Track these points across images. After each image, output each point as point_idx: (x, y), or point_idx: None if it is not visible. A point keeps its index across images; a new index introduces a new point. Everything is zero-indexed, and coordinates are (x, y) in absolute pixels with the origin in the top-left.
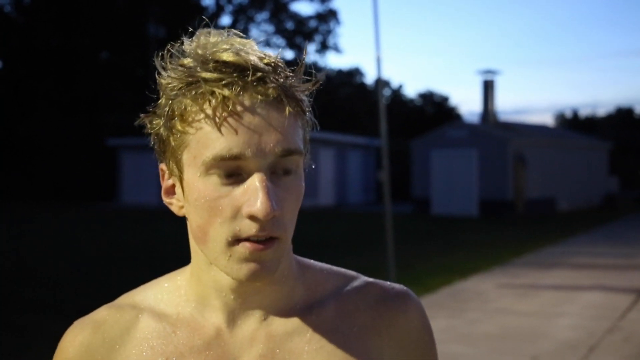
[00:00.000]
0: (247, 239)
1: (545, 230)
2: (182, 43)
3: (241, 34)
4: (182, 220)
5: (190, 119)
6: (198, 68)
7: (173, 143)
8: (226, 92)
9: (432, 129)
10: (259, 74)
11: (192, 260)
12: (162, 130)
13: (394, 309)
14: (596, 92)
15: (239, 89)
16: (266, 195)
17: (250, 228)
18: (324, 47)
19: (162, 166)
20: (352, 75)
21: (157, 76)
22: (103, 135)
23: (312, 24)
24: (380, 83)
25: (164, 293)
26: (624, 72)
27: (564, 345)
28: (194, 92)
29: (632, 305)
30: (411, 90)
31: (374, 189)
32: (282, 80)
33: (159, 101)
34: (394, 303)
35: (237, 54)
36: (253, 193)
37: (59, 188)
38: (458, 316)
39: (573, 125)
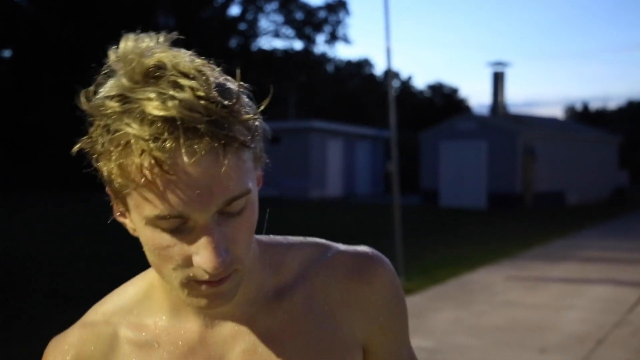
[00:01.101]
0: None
1: (554, 224)
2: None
3: (170, 36)
4: None
5: (127, 174)
6: (124, 118)
7: (116, 185)
8: (157, 153)
9: (441, 120)
10: (191, 124)
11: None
12: (104, 166)
13: (360, 281)
14: (607, 85)
15: (170, 145)
16: (213, 251)
17: (203, 274)
18: (333, 38)
19: (108, 190)
20: (361, 67)
21: (83, 100)
22: None
23: (322, 14)
24: (390, 74)
25: (133, 303)
26: (635, 66)
27: (571, 338)
28: (123, 144)
29: None
30: (420, 82)
31: (382, 180)
32: (217, 123)
33: (93, 130)
34: (359, 275)
35: (164, 103)
36: (202, 249)
37: (67, 178)
38: (465, 308)
39: (583, 118)
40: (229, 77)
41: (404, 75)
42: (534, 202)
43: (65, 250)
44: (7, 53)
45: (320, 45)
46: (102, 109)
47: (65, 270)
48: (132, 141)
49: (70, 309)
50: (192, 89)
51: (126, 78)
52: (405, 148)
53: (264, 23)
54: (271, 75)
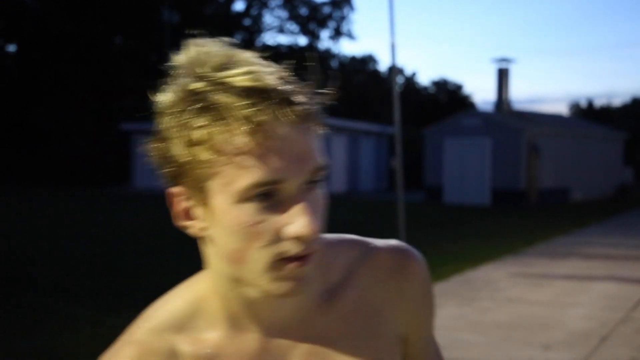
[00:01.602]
0: (289, 258)
1: (558, 220)
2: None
3: (231, 40)
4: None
5: (217, 147)
6: (213, 94)
7: (196, 171)
8: (256, 118)
9: (446, 117)
10: (284, 95)
11: (214, 278)
12: (178, 157)
13: (399, 278)
14: (612, 82)
15: (267, 112)
16: (310, 216)
17: (294, 248)
18: (337, 34)
19: (174, 190)
20: (366, 62)
21: (153, 97)
22: (116, 120)
23: (326, 10)
24: (394, 70)
25: (184, 317)
26: None
27: (575, 335)
28: (217, 119)
29: None
30: (425, 78)
31: (386, 176)
32: (301, 95)
33: (163, 124)
34: (399, 273)
35: (254, 78)
36: (297, 215)
37: (72, 172)
38: (469, 304)
39: (588, 115)
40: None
41: (408, 71)
42: (538, 199)
43: (69, 243)
44: (11, 48)
45: (325, 41)
46: (183, 94)
47: (70, 264)
48: (227, 111)
49: (72, 303)
50: (272, 68)
51: (206, 67)
52: (409, 144)
53: (268, 19)
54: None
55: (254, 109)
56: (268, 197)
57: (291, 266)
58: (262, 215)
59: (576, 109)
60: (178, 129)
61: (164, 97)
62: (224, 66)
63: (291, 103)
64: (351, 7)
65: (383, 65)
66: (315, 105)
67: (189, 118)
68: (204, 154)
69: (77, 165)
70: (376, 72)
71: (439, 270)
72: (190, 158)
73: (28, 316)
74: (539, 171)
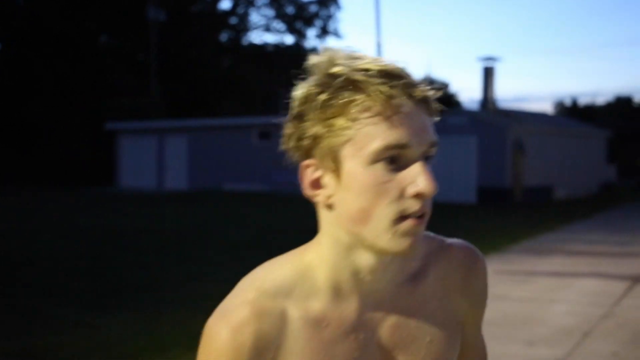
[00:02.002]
0: (408, 216)
1: (543, 218)
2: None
3: (357, 50)
4: (181, 203)
5: (354, 116)
6: (353, 74)
7: (331, 140)
8: (393, 91)
9: None
10: (408, 79)
11: (329, 246)
12: (316, 130)
13: (468, 271)
14: (596, 81)
15: (400, 91)
16: (430, 176)
17: (414, 205)
18: (324, 33)
19: (307, 162)
20: None
21: (294, 89)
22: (103, 119)
23: (313, 8)
24: None
25: (293, 283)
26: (623, 62)
27: (559, 331)
28: (357, 92)
29: (627, 292)
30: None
31: None
32: (426, 86)
33: (299, 107)
34: (469, 267)
35: (386, 64)
36: (419, 175)
37: (59, 171)
38: None
39: (572, 113)
40: None
41: None
42: (523, 197)
43: (56, 243)
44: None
45: (311, 39)
46: (328, 77)
47: (57, 264)
48: (370, 86)
49: (61, 305)
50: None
51: (341, 60)
52: None
53: (254, 17)
54: (262, 69)
55: (388, 85)
56: (394, 161)
57: (411, 222)
58: (389, 175)
59: (561, 107)
60: (317, 108)
61: (300, 89)
62: (354, 58)
63: (415, 85)
64: (338, 6)
65: None
66: (431, 92)
67: (330, 96)
68: (340, 122)
69: (62, 165)
70: None
71: None
72: (327, 129)
73: (11, 318)
74: (524, 169)
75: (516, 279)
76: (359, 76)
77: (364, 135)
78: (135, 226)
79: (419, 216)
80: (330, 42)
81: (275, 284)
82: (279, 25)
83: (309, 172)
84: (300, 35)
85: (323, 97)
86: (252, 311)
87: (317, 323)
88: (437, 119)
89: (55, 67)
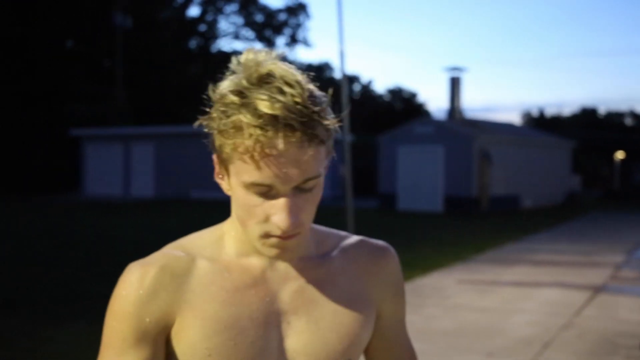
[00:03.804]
0: (274, 235)
1: (509, 227)
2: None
3: (281, 53)
4: (145, 211)
5: (235, 145)
6: (241, 109)
7: (225, 155)
8: (262, 138)
9: (401, 124)
10: (288, 122)
11: (234, 221)
12: (218, 139)
13: (380, 258)
14: (562, 92)
15: (272, 134)
16: (288, 214)
17: (276, 230)
18: (293, 41)
19: (214, 157)
20: (322, 70)
21: (210, 89)
22: (67, 125)
23: (282, 17)
24: (344, 76)
25: (207, 243)
26: (589, 73)
27: (519, 341)
28: (237, 127)
29: (588, 302)
30: (381, 86)
31: (341, 183)
32: (306, 123)
33: (213, 112)
34: (381, 254)
35: (272, 104)
36: (279, 210)
37: (21, 179)
38: (416, 312)
39: (539, 124)
40: (317, 89)
41: (364, 79)
42: (490, 206)
43: (15, 253)
44: None
45: (281, 47)
46: (224, 98)
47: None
48: (245, 127)
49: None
50: (292, 95)
51: (245, 79)
52: (365, 151)
53: (223, 25)
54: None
55: (263, 129)
56: (264, 192)
57: (275, 240)
58: (259, 200)
59: (528, 117)
60: (216, 117)
61: (219, 89)
62: (263, 80)
63: (294, 129)
64: (307, 15)
65: (339, 73)
66: (323, 128)
67: (219, 116)
68: (226, 146)
69: (25, 172)
70: (332, 80)
71: None
72: (219, 143)
73: None
74: (491, 178)
75: (479, 289)
76: (242, 115)
77: (238, 165)
78: (96, 235)
79: (285, 236)
80: (299, 50)
81: (191, 244)
82: (248, 33)
83: (216, 165)
84: (269, 43)
85: (219, 114)
86: (163, 254)
87: (221, 272)
88: (329, 144)
89: (17, 72)
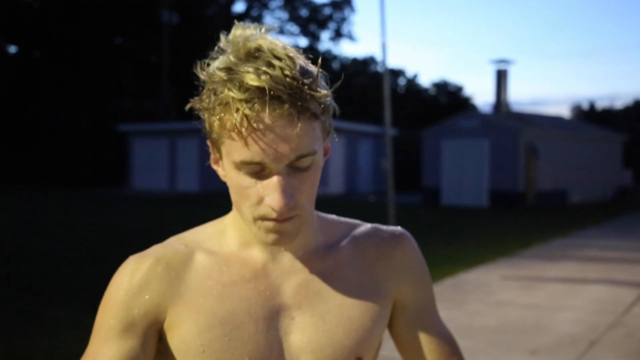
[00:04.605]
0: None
1: (555, 223)
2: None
3: (270, 27)
4: (191, 204)
5: (224, 124)
6: (228, 84)
7: (215, 135)
8: (247, 111)
9: (446, 118)
10: (276, 94)
11: (235, 212)
12: (208, 119)
13: (392, 246)
14: (614, 84)
15: (259, 107)
16: (281, 193)
17: (271, 213)
18: (338, 35)
19: (209, 142)
20: (367, 64)
21: (199, 70)
22: (115, 121)
23: (327, 11)
24: (386, 70)
25: (208, 237)
26: None
27: (564, 339)
28: (224, 103)
29: (638, 300)
30: (426, 80)
31: (383, 178)
32: (296, 95)
33: (204, 93)
34: (394, 240)
35: (258, 76)
36: (272, 190)
37: (70, 173)
38: (458, 308)
39: (590, 117)
40: (310, 63)
41: (409, 73)
42: (536, 201)
43: (64, 245)
44: (12, 48)
45: (325, 42)
46: (212, 77)
47: (63, 267)
48: (231, 102)
49: (57, 306)
50: (281, 68)
51: (233, 56)
52: (409, 146)
53: (268, 20)
54: None
55: (249, 103)
56: (256, 171)
57: (270, 223)
58: (252, 181)
59: (578, 111)
60: (205, 97)
61: (209, 69)
62: (251, 55)
63: (282, 101)
64: (352, 9)
65: (383, 67)
66: (315, 101)
67: (208, 95)
68: (214, 125)
69: (74, 166)
70: (377, 74)
71: (431, 273)
72: (209, 123)
73: (6, 319)
74: (537, 173)
75: (524, 285)
76: (230, 90)
77: (228, 145)
78: (143, 229)
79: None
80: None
81: (193, 237)
82: (292, 27)
83: (211, 150)
84: (314, 37)
85: (208, 93)
86: (162, 247)
87: (219, 265)
88: (322, 117)
89: (66, 69)
